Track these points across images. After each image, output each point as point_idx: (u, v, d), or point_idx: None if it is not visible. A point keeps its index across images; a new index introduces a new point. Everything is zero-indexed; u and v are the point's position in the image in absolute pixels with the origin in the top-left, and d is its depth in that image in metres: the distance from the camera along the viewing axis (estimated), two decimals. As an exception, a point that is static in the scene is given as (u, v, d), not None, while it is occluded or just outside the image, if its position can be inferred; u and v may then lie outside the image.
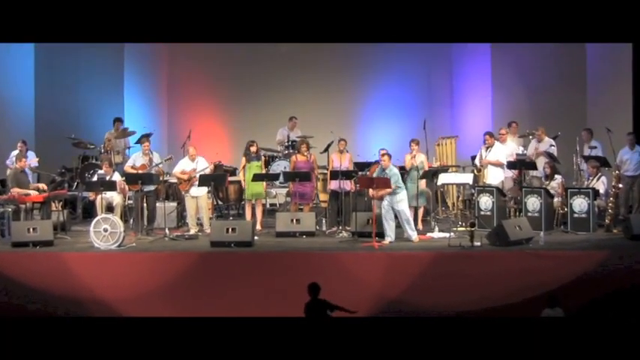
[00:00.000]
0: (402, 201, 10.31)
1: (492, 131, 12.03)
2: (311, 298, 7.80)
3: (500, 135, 11.86)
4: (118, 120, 13.66)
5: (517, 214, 11.39)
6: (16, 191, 10.89)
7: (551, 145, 12.06)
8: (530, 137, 12.49)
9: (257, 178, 11.25)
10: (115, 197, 11.16)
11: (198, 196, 11.21)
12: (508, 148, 11.80)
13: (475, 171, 11.71)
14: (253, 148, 11.46)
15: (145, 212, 11.32)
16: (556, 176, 11.44)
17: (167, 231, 10.94)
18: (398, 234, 10.76)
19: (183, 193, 11.43)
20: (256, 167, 11.45)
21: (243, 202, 12.10)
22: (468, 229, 10.18)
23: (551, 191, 11.19)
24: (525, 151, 12.19)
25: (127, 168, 11.50)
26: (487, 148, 11.54)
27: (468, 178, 11.51)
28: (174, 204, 12.03)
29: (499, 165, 11.49)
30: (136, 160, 11.56)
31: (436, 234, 10.80)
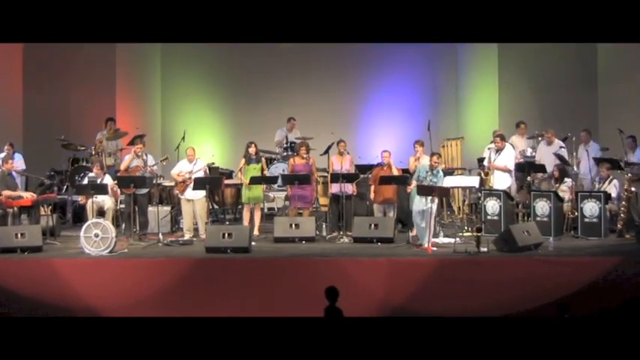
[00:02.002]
0: (435, 202, 10.31)
1: (503, 134, 12.02)
2: (329, 303, 7.66)
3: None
4: (110, 120, 13.64)
5: (525, 218, 11.37)
6: (6, 194, 10.88)
7: (561, 147, 12.06)
8: (540, 139, 12.48)
9: (254, 181, 11.24)
10: (106, 201, 11.13)
11: (195, 200, 11.21)
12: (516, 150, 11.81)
13: (482, 174, 11.70)
14: (252, 149, 11.46)
15: (138, 217, 11.30)
16: (566, 179, 11.43)
17: (161, 236, 10.92)
18: (401, 239, 10.76)
19: (179, 195, 11.44)
20: (254, 170, 11.44)
21: (240, 207, 12.10)
22: (474, 234, 10.16)
23: (561, 194, 11.18)
24: (534, 153, 12.18)
25: (124, 164, 11.48)
26: (497, 151, 11.52)
27: (474, 181, 11.50)
28: (168, 208, 12.02)
29: (507, 171, 11.48)
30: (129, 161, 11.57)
31: (441, 239, 10.78)
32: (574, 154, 12.19)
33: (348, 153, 11.71)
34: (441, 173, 10.61)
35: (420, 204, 10.40)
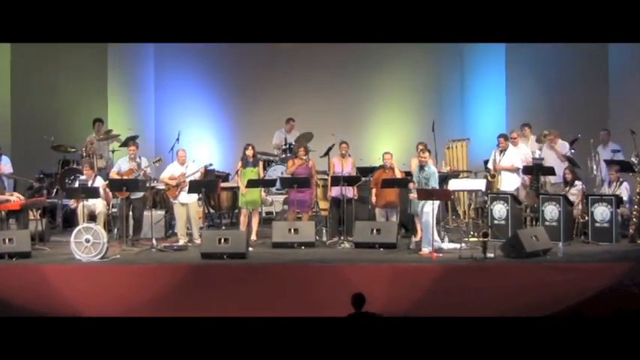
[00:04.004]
0: (430, 204, 10.29)
1: (507, 133, 12.05)
2: (355, 311, 7.70)
3: (512, 139, 11.85)
4: (99, 121, 13.65)
5: (534, 223, 11.39)
6: (-7, 196, 10.92)
7: (571, 149, 12.07)
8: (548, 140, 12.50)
9: (252, 184, 11.25)
10: (97, 205, 11.15)
11: (188, 204, 11.24)
12: (522, 153, 11.81)
13: (488, 177, 11.71)
14: (249, 152, 11.47)
15: (131, 221, 11.31)
16: (576, 182, 11.44)
17: (154, 241, 10.92)
18: (404, 244, 10.77)
19: (171, 199, 11.45)
20: (251, 173, 11.46)
21: (236, 211, 12.12)
22: (481, 239, 10.19)
23: (571, 198, 11.18)
24: (542, 155, 12.18)
25: (113, 174, 11.50)
26: (501, 151, 11.54)
27: (480, 184, 11.51)
28: (162, 212, 12.03)
29: (514, 170, 11.49)
30: (121, 165, 11.56)
31: (446, 245, 10.79)
32: (592, 155, 12.19)
33: (350, 155, 11.73)
34: (432, 168, 10.56)
35: (418, 206, 10.44)
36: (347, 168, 11.45)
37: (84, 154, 13.09)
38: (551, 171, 11.77)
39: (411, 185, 10.66)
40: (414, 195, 10.53)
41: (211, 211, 12.76)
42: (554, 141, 12.14)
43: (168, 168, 11.52)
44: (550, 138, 12.18)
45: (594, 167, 12.10)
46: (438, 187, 10.53)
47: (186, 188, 11.09)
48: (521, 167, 11.56)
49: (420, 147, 11.31)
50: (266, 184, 11.83)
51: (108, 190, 11.23)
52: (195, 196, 11.22)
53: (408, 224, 11.54)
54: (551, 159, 12.05)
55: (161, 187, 12.35)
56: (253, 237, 11.32)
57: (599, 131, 12.39)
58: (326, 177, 11.94)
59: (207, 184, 11.42)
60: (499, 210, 11.19)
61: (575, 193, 11.35)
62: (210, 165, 11.74)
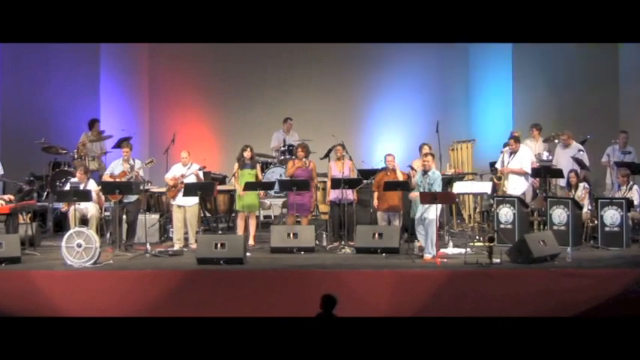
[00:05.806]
0: (433, 210, 10.30)
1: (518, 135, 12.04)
2: (323, 312, 7.68)
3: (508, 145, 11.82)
4: (95, 121, 13.66)
5: (541, 227, 11.39)
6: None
7: (580, 151, 12.09)
8: (556, 142, 12.52)
9: (249, 186, 11.26)
10: (89, 208, 11.15)
11: (186, 207, 11.25)
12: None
13: (494, 179, 11.71)
14: (247, 154, 11.49)
15: (124, 225, 11.32)
16: (579, 185, 11.43)
17: (148, 246, 10.95)
18: (406, 249, 10.78)
19: (171, 200, 11.48)
20: (249, 175, 11.47)
21: (233, 214, 12.13)
22: (486, 244, 10.17)
23: (578, 201, 11.19)
24: (551, 157, 12.20)
25: (106, 177, 11.50)
26: (511, 153, 11.53)
27: (486, 187, 11.51)
28: (157, 216, 12.05)
29: (522, 174, 11.49)
30: (115, 168, 11.56)
31: (450, 250, 10.80)
32: (608, 158, 12.19)
33: (350, 158, 11.72)
34: (437, 173, 10.58)
35: (418, 211, 10.45)
36: (345, 172, 11.39)
37: (75, 155, 13.11)
38: (559, 173, 11.79)
39: (412, 172, 10.63)
40: (414, 194, 10.55)
41: (207, 214, 12.77)
42: (568, 142, 12.15)
43: (172, 169, 11.58)
44: (563, 139, 12.19)
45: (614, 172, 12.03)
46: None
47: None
48: (530, 172, 11.54)
49: (425, 149, 11.34)
50: (264, 186, 11.84)
51: (101, 194, 11.23)
52: (194, 199, 11.21)
53: (411, 228, 11.54)
54: (562, 161, 12.07)
55: (155, 190, 12.36)
56: (250, 242, 11.34)
57: (619, 133, 12.34)
58: (326, 180, 11.94)
59: (204, 187, 11.40)
60: (505, 213, 11.20)
61: (580, 195, 11.36)
62: (203, 168, 11.73)
